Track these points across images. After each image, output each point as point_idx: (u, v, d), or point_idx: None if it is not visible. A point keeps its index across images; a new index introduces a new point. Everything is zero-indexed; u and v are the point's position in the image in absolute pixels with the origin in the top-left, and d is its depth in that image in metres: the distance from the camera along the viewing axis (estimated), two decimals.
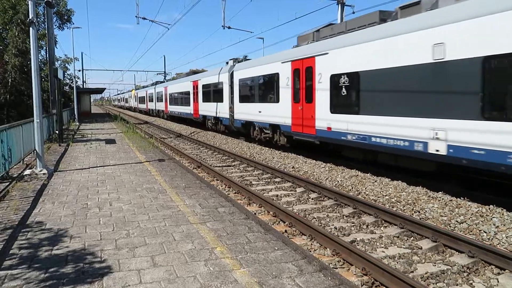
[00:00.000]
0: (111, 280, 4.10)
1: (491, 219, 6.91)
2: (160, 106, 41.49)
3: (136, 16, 26.91)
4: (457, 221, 7.02)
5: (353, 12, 19.42)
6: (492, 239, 6.29)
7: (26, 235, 5.46)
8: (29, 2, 10.39)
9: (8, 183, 8.79)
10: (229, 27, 24.06)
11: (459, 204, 7.75)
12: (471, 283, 4.94)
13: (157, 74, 57.24)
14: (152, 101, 46.73)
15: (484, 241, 6.18)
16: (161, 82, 47.01)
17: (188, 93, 28.74)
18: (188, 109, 28.93)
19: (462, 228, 6.77)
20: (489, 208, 7.37)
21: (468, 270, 5.25)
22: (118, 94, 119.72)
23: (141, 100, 57.52)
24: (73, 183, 8.93)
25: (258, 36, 43.63)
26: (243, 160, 13.82)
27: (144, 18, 27.38)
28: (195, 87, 26.73)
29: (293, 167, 12.43)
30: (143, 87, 61.95)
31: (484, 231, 6.53)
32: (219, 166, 13.14)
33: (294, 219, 6.94)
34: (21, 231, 5.63)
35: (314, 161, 13.07)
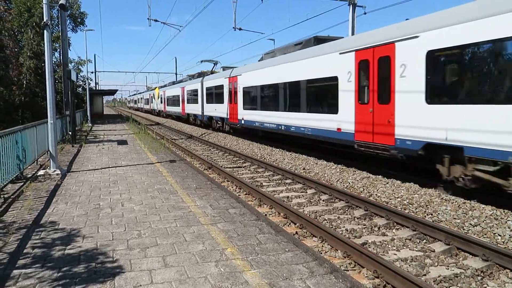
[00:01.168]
0: (122, 280, 4.13)
1: (506, 222, 6.79)
2: (214, 110, 24.76)
3: (148, 18, 27.11)
4: (470, 224, 6.92)
5: (365, 13, 19.31)
6: (507, 242, 6.18)
7: (39, 235, 5.53)
8: (44, 5, 10.55)
9: (22, 183, 8.93)
10: (240, 29, 24.14)
11: (473, 207, 7.64)
12: (485, 287, 4.86)
13: (202, 61, 31.14)
14: (196, 102, 29.52)
15: (498, 245, 6.08)
16: (211, 73, 29.15)
17: (332, 80, 12.20)
18: (336, 122, 12.03)
19: (476, 231, 6.66)
20: (504, 211, 7.25)
21: (482, 274, 5.17)
22: (134, 94, 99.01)
23: (172, 101, 39.64)
24: (85, 184, 9.03)
25: (269, 38, 43.79)
26: (254, 161, 13.83)
27: (156, 20, 27.56)
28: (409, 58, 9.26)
29: (304, 169, 12.40)
30: (174, 82, 44.41)
31: (498, 234, 6.42)
32: (230, 167, 13.16)
33: (305, 220, 6.91)
34: (34, 230, 5.72)
35: (325, 162, 13.00)
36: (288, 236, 5.58)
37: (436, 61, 8.59)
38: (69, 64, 32.17)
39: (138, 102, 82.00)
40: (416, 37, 8.94)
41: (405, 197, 8.62)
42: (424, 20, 9.00)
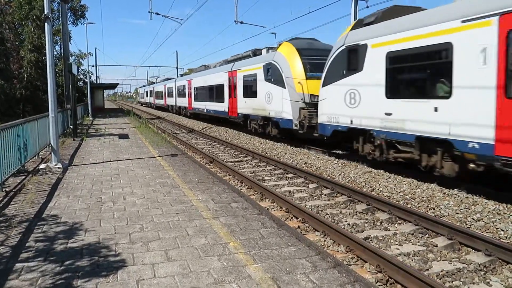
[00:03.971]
0: (125, 274, 4.13)
1: (509, 217, 6.78)
2: None
3: (149, 12, 27.03)
4: (473, 219, 6.90)
5: (367, 7, 19.16)
6: (510, 237, 6.17)
7: (42, 228, 5.53)
8: None
9: (24, 177, 8.93)
10: (241, 22, 23.99)
11: (476, 202, 7.62)
12: (488, 282, 4.85)
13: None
14: None
15: (501, 239, 6.06)
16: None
17: (442, 62, 8.49)
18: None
19: (479, 226, 6.65)
20: (507, 206, 7.23)
21: (485, 269, 5.16)
22: (153, 83, 61.92)
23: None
24: (87, 177, 9.02)
25: (271, 31, 43.32)
26: (255, 155, 13.81)
27: (157, 14, 27.47)
28: None
29: (305, 163, 12.37)
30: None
31: (501, 229, 6.41)
32: (231, 161, 13.14)
33: (307, 215, 6.90)
34: (37, 224, 5.71)
35: (327, 156, 12.98)
36: (290, 230, 5.57)
37: None
38: (70, 58, 32.11)
39: (168, 96, 43.99)
40: None
41: (407, 191, 8.60)
42: None
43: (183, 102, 34.79)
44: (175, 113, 39.50)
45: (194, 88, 29.74)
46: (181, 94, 35.70)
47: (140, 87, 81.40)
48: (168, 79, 48.10)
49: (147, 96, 65.60)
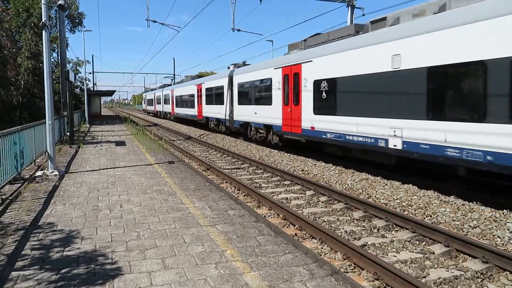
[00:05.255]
0: (122, 282, 4.11)
1: (505, 224, 6.80)
2: None
3: (146, 19, 27.14)
4: (470, 226, 6.92)
5: (363, 14, 19.35)
6: (506, 244, 6.19)
7: (38, 236, 5.50)
8: (42, 5, 10.50)
9: (20, 184, 8.88)
10: (238, 30, 24.10)
11: (472, 209, 7.65)
12: None
13: None
14: None
15: (498, 247, 6.08)
16: None
17: None
18: None
19: (476, 233, 6.66)
20: (503, 213, 7.26)
21: (482, 276, 5.17)
22: (164, 86, 48.41)
23: None
24: (84, 185, 8.99)
25: (268, 39, 43.71)
26: (252, 162, 13.81)
27: (154, 21, 27.57)
28: None
29: (302, 170, 12.38)
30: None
31: (498, 236, 6.42)
32: (228, 169, 13.14)
33: (304, 222, 6.90)
34: (33, 232, 5.68)
35: (324, 164, 13.00)
36: (287, 237, 5.56)
37: None
38: (67, 65, 32.13)
39: (207, 102, 26.42)
40: None
41: (404, 198, 8.62)
42: None
43: (259, 114, 17.80)
44: (223, 133, 24.11)
45: (324, 82, 12.60)
46: (247, 99, 19.40)
47: (148, 92, 64.17)
48: (199, 76, 32.62)
49: (158, 103, 48.76)
